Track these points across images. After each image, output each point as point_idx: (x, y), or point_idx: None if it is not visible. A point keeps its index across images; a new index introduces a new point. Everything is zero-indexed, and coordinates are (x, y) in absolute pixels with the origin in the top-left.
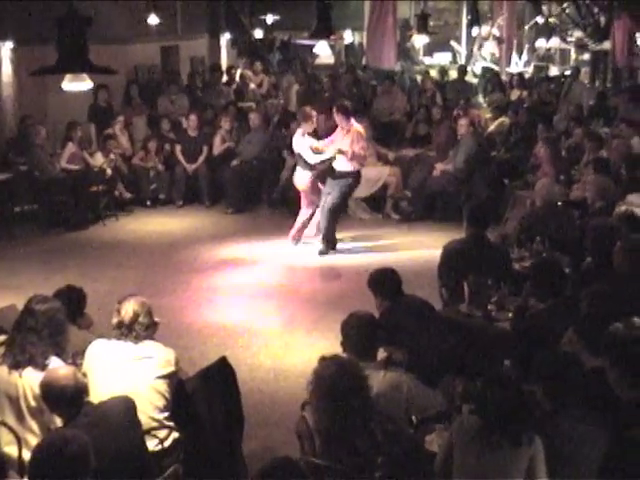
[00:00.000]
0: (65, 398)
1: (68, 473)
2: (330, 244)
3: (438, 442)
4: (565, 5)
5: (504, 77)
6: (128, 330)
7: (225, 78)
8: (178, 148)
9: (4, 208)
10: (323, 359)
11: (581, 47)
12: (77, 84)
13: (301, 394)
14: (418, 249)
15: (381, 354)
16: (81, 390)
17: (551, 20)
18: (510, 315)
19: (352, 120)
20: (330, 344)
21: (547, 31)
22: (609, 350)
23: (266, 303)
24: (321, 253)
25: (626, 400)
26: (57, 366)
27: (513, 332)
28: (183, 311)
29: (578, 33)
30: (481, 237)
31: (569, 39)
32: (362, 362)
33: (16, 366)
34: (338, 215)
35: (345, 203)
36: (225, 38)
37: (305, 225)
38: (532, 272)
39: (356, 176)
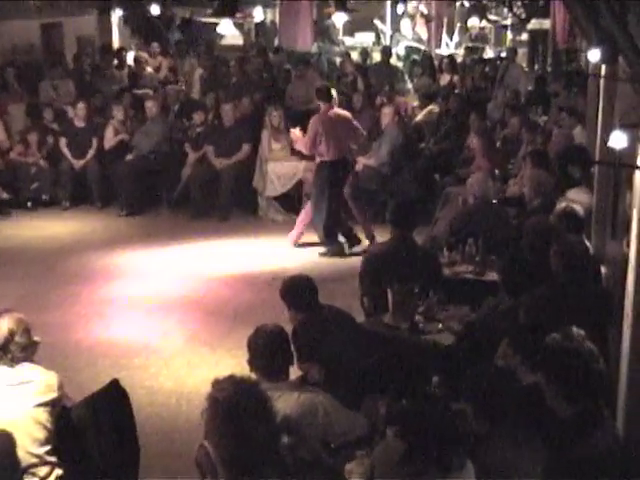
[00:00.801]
0: None
1: None
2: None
3: (358, 471)
4: None
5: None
6: (2, 352)
7: (117, 61)
8: (63, 141)
9: None
10: (216, 382)
11: (511, 27)
12: None
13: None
14: (337, 254)
15: (295, 372)
16: None
17: None
18: (440, 326)
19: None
20: (237, 362)
21: (481, 9)
22: (545, 364)
23: (166, 317)
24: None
25: (564, 418)
26: None
27: (451, 346)
28: (70, 328)
29: (516, 10)
30: (407, 240)
31: (495, 17)
32: (271, 382)
33: None
34: (321, 207)
35: (322, 195)
36: (117, 15)
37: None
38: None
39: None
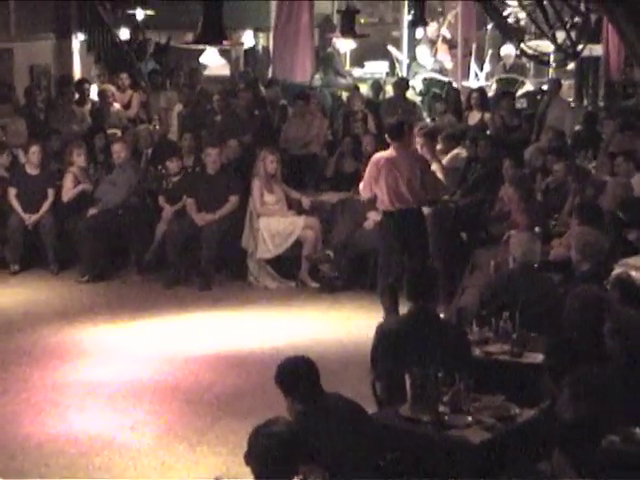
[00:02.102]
0: None
1: None
2: None
3: None
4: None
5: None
6: None
7: (78, 95)
8: (12, 192)
9: None
10: None
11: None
12: None
13: None
14: (344, 329)
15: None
16: None
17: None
18: (469, 420)
19: None
20: (222, 461)
21: (518, 32)
22: (601, 474)
23: (134, 407)
24: None
25: None
26: None
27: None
28: (17, 419)
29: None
30: (427, 313)
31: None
32: None
33: None
34: None
35: None
36: (78, 40)
37: None
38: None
39: None
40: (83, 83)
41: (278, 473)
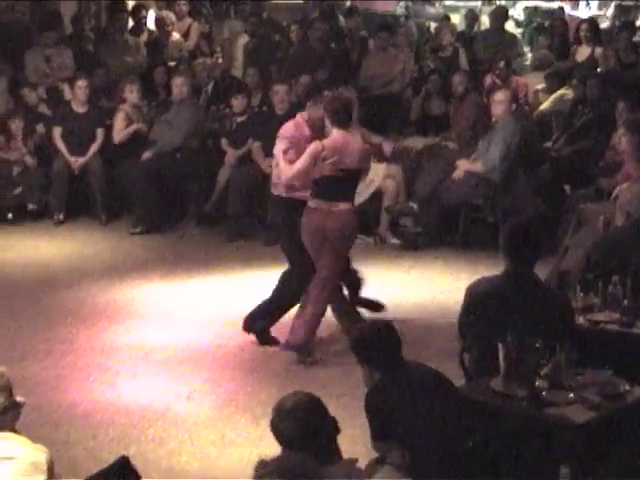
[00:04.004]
0: None
1: None
2: None
3: None
4: None
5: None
6: None
7: (131, 24)
8: (57, 131)
9: None
10: (261, 464)
11: None
12: None
13: None
14: (428, 291)
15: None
16: None
17: None
18: (571, 396)
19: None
20: None
21: None
22: None
23: (192, 374)
24: None
25: None
26: None
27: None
28: (62, 385)
29: None
30: (525, 275)
31: None
32: (324, 466)
33: None
34: None
35: None
36: None
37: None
38: None
39: None
40: (139, 10)
41: (319, 448)
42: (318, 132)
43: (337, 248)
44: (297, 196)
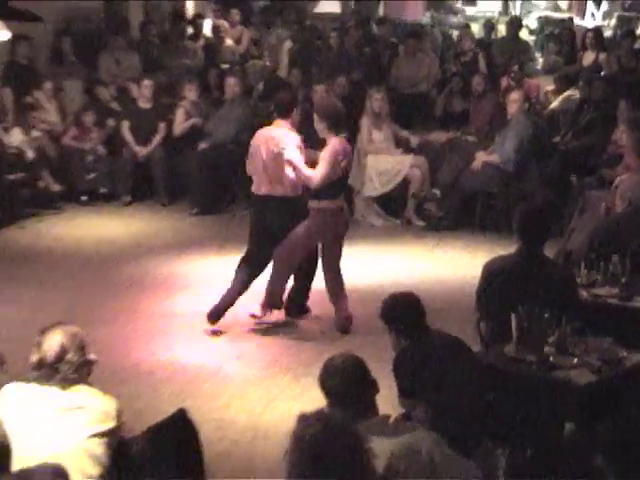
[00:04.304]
0: None
1: None
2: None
3: None
4: None
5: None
6: (52, 371)
7: (191, 31)
8: (126, 124)
9: None
10: (304, 417)
11: None
12: None
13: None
14: (449, 268)
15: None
16: (2, 450)
17: None
18: (575, 361)
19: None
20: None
21: None
22: None
23: (241, 338)
24: None
25: None
26: None
27: (589, 385)
28: (128, 346)
29: None
30: (536, 254)
31: None
32: (362, 419)
33: None
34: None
35: None
36: None
37: None
38: None
39: None
40: (197, 18)
41: (360, 401)
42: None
43: (343, 239)
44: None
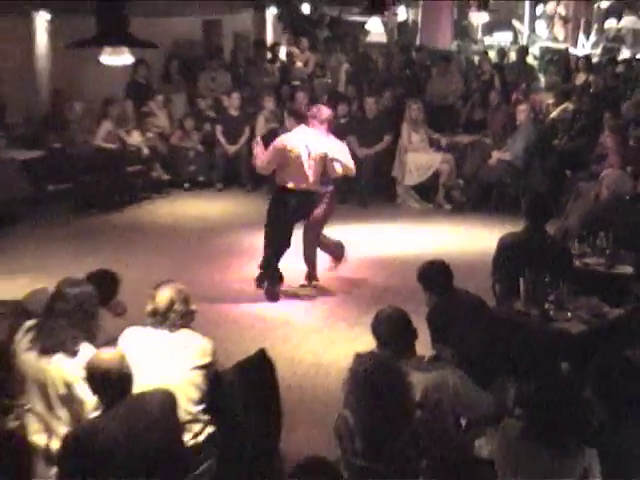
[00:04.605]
0: (108, 381)
1: (96, 464)
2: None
3: (488, 447)
4: None
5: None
6: (163, 318)
7: (269, 55)
8: (219, 128)
9: (37, 187)
10: (359, 356)
11: None
12: (116, 58)
13: (342, 392)
14: (471, 241)
15: (429, 353)
16: (125, 377)
17: None
18: (569, 315)
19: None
20: (373, 341)
21: (618, 10)
22: None
23: (307, 294)
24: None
25: None
26: (105, 348)
27: (580, 334)
28: (219, 301)
29: None
30: (540, 231)
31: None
32: (403, 358)
33: (45, 352)
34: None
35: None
36: (271, 12)
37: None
38: None
39: None
40: (275, 46)
41: (403, 344)
42: None
43: None
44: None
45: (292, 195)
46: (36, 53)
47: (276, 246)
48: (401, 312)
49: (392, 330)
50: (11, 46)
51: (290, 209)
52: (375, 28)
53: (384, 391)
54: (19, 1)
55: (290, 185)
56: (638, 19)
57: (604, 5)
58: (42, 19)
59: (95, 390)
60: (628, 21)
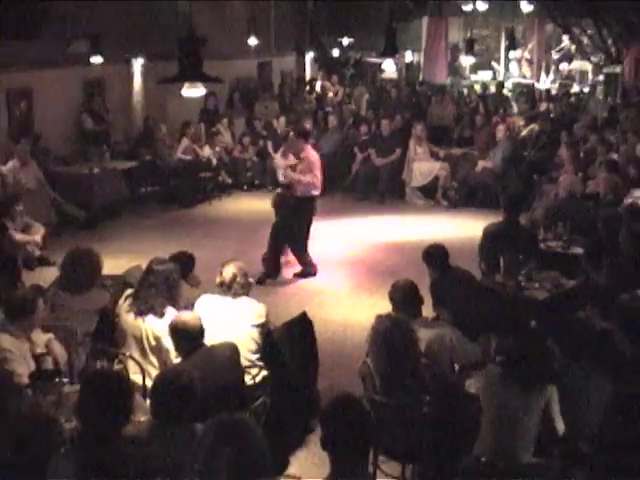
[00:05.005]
0: (189, 336)
1: (179, 399)
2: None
3: (475, 386)
4: (589, 32)
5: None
6: (228, 288)
7: (308, 88)
8: (269, 143)
9: (133, 190)
10: (379, 317)
11: (598, 67)
12: (193, 91)
13: (365, 344)
14: (462, 230)
15: (431, 315)
16: (200, 332)
17: (574, 46)
18: (536, 285)
19: (308, 147)
20: (389, 305)
21: (569, 56)
22: (617, 315)
23: (337, 270)
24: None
25: (629, 355)
26: (185, 311)
27: (544, 300)
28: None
29: (595, 58)
30: (515, 221)
31: (591, 60)
32: (413, 318)
33: (140, 313)
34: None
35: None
36: (309, 56)
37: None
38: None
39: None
40: (312, 81)
41: (412, 307)
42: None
43: None
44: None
45: (316, 201)
46: (133, 89)
47: (303, 241)
48: (411, 283)
49: (405, 296)
50: (115, 85)
51: (314, 212)
52: (388, 67)
53: (398, 343)
54: (122, 52)
55: (315, 193)
56: (583, 63)
57: (558, 53)
58: (138, 64)
59: (176, 344)
60: (576, 64)
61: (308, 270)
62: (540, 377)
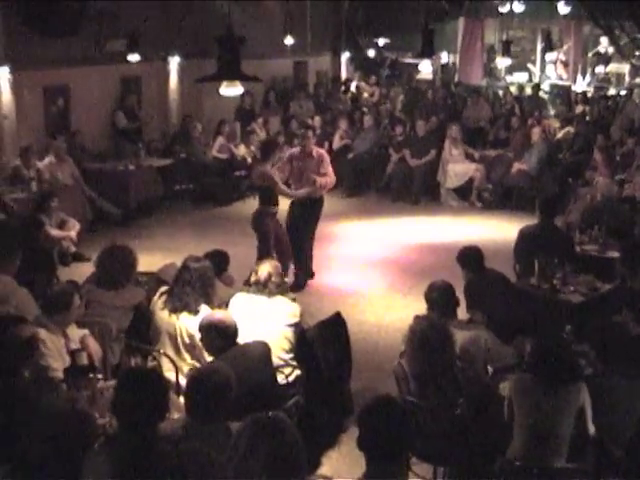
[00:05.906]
0: (225, 334)
1: (214, 396)
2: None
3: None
4: (631, 35)
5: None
6: (263, 287)
7: (343, 88)
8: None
9: (168, 187)
10: (417, 317)
11: (636, 69)
12: (232, 89)
13: (398, 345)
14: (497, 231)
15: (465, 317)
16: (233, 331)
17: (611, 48)
18: (572, 289)
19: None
20: (422, 306)
21: (606, 58)
22: None
23: (371, 271)
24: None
25: None
26: (217, 310)
27: (580, 303)
28: None
29: (636, 61)
30: (550, 224)
31: (633, 62)
32: (449, 320)
33: (174, 310)
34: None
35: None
36: (345, 56)
37: None
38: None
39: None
40: (347, 81)
41: (449, 309)
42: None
43: None
44: None
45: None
46: (170, 87)
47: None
48: (448, 284)
49: (441, 296)
50: (152, 82)
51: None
52: (424, 68)
53: (435, 345)
54: (159, 50)
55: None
56: (619, 65)
57: (595, 55)
58: (174, 62)
59: (208, 344)
60: (613, 67)
61: (299, 282)
62: (573, 380)
